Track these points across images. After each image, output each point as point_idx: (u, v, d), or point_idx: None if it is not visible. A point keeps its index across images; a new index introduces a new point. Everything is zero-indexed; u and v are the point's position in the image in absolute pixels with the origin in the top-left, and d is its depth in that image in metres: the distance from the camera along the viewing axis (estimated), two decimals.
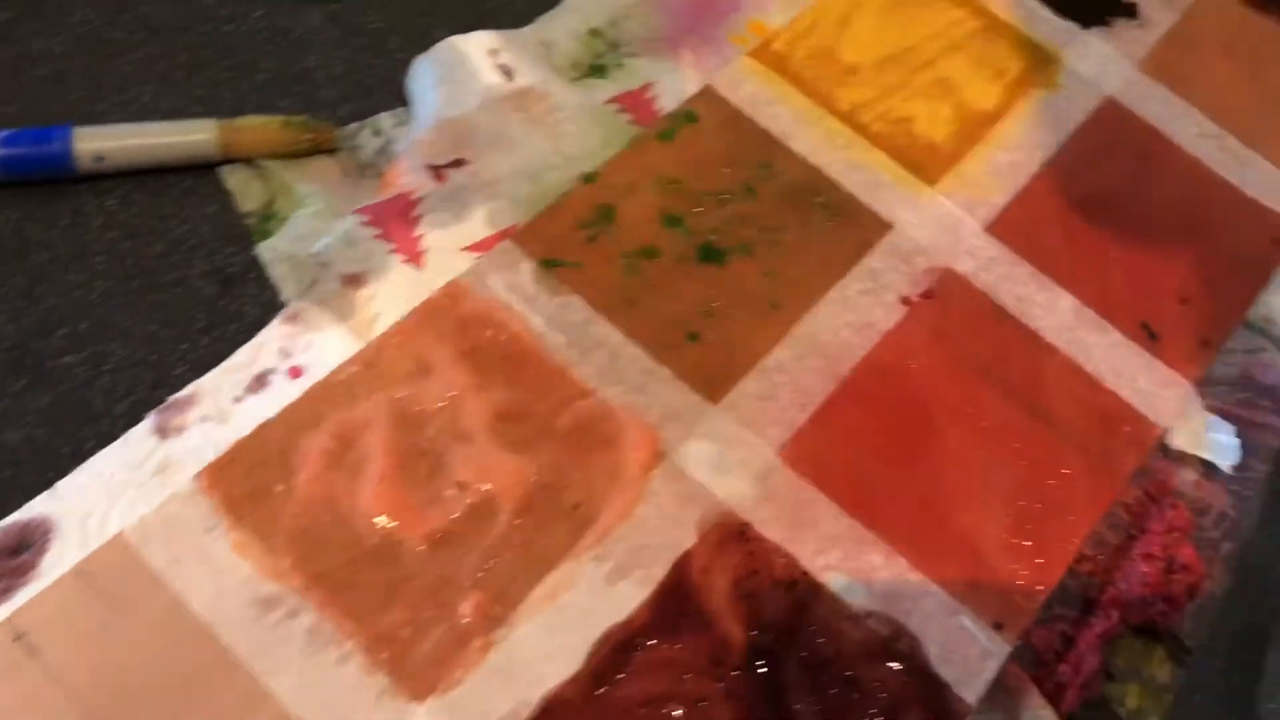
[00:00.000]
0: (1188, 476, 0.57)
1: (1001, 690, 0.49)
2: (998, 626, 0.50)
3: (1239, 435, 0.58)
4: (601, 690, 0.46)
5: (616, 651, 0.47)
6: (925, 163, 0.63)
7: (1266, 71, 0.72)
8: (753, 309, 0.56)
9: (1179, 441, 0.57)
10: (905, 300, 0.58)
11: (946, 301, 0.59)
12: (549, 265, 0.55)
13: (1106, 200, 0.64)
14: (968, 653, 0.49)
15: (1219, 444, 0.58)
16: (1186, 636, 0.53)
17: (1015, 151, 0.65)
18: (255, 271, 0.54)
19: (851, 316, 0.57)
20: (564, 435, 0.51)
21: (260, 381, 0.51)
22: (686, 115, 0.62)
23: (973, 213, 0.62)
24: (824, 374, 0.55)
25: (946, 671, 0.49)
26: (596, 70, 0.63)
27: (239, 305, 0.53)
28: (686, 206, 0.59)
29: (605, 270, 0.56)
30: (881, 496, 0.52)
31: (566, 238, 0.56)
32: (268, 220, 0.55)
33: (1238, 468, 0.58)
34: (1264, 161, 0.68)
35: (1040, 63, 0.69)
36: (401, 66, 0.61)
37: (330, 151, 0.58)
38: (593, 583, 0.48)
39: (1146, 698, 0.51)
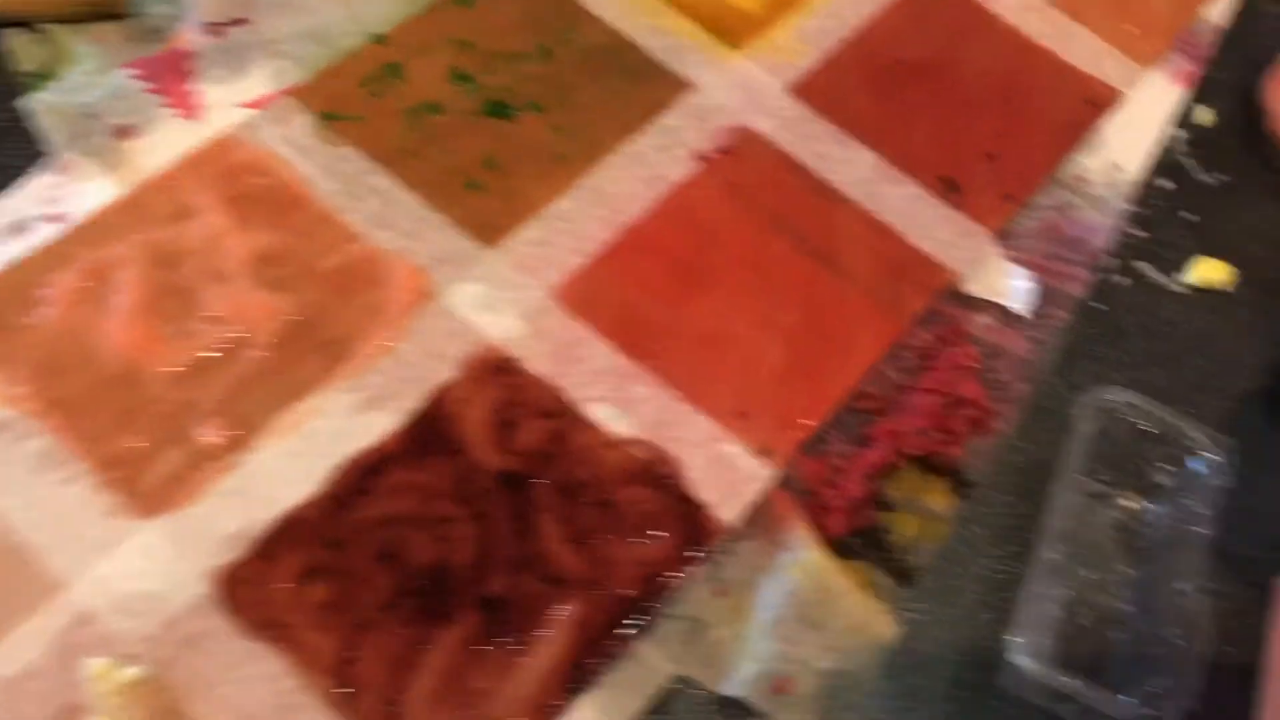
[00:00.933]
0: (983, 321, 0.57)
1: (766, 515, 0.49)
2: (765, 453, 0.49)
3: (1040, 284, 0.58)
4: (341, 511, 0.45)
5: (362, 475, 0.46)
6: (734, 28, 0.63)
7: None
8: (538, 161, 0.56)
9: (975, 288, 0.57)
10: (700, 156, 0.58)
11: (742, 157, 0.58)
12: (328, 118, 0.55)
13: (918, 65, 0.64)
14: (730, 476, 0.49)
15: (1015, 290, 0.57)
16: (970, 471, 0.52)
17: (826, 19, 0.65)
18: (27, 125, 0.53)
19: (642, 170, 0.57)
20: (326, 275, 0.51)
21: (18, 228, 0.50)
22: None
23: (777, 75, 0.62)
24: (607, 222, 0.55)
25: (706, 494, 0.48)
26: None
27: (5, 158, 0.52)
28: (478, 66, 0.58)
29: (386, 124, 0.55)
30: (656, 334, 0.52)
31: (349, 93, 0.56)
32: (44, 79, 0.55)
33: (1038, 314, 0.57)
34: (1084, 30, 0.68)
35: None
36: None
37: (118, 18, 0.57)
38: (343, 411, 0.48)
39: (922, 527, 0.50)
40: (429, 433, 0.47)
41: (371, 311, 0.49)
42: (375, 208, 0.52)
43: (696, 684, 0.45)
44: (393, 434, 0.47)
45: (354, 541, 0.45)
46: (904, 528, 0.50)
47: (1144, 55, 0.68)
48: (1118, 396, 0.49)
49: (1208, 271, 0.60)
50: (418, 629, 0.43)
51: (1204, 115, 0.66)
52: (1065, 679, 0.42)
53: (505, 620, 0.44)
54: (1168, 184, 0.63)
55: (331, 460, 0.46)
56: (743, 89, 0.60)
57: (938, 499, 0.51)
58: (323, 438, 0.46)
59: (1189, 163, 0.65)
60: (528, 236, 0.53)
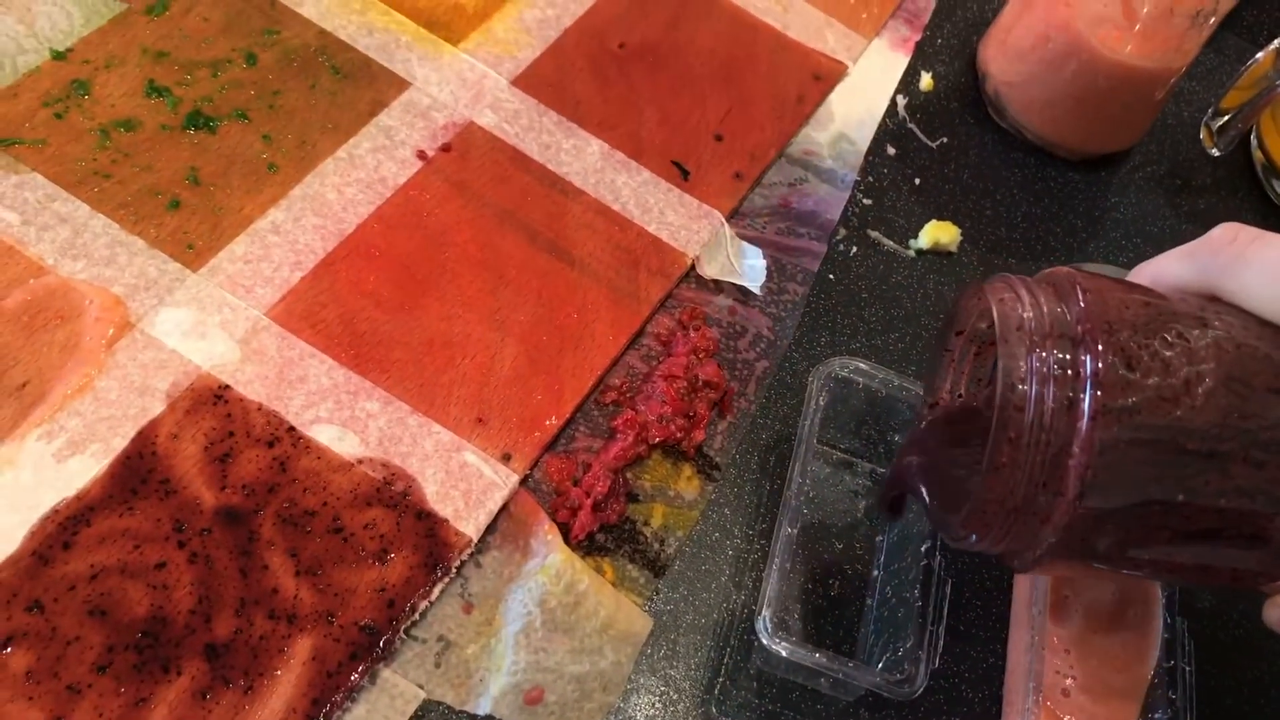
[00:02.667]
0: (722, 303, 0.56)
1: (511, 522, 0.47)
2: (506, 458, 0.48)
3: (777, 261, 0.58)
4: (43, 569, 0.41)
5: (63, 528, 0.42)
6: (449, 23, 0.61)
7: None
8: (246, 173, 0.53)
9: (711, 270, 0.57)
10: (421, 154, 0.56)
11: (466, 153, 0.57)
12: (5, 144, 0.51)
13: (642, 50, 0.63)
14: (470, 487, 0.47)
15: (749, 269, 0.57)
16: (717, 453, 0.52)
17: (547, 8, 0.64)
18: None
19: (361, 174, 0.54)
20: (11, 315, 0.46)
21: None
22: None
23: (499, 68, 0.60)
24: (325, 232, 0.52)
25: (444, 508, 0.46)
26: None
27: None
28: (176, 76, 0.55)
29: (73, 145, 0.51)
30: (383, 346, 0.49)
31: (28, 116, 0.52)
32: None
33: (775, 291, 0.57)
34: (805, 5, 0.69)
35: None
36: None
37: None
38: (39, 461, 0.44)
39: (671, 516, 0.50)
40: (137, 474, 0.44)
41: (65, 349, 0.46)
42: (65, 236, 0.48)
43: (447, 707, 0.43)
44: (96, 480, 0.43)
45: (59, 600, 0.41)
46: (653, 518, 0.49)
47: (865, 25, 0.69)
48: (847, 364, 0.50)
49: (938, 233, 0.61)
50: (137, 686, 0.40)
51: (924, 81, 0.68)
52: (809, 653, 0.42)
53: (234, 665, 0.41)
54: (893, 151, 0.65)
55: (30, 515, 0.42)
56: (464, 84, 0.58)
57: (686, 485, 0.50)
58: (18, 491, 0.43)
59: (913, 128, 0.66)
60: (238, 254, 0.50)
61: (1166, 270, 0.37)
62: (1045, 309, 0.35)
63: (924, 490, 0.41)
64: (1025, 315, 0.35)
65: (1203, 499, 0.33)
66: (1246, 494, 0.33)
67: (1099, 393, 0.32)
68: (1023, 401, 0.33)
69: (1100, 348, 0.33)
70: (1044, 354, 0.33)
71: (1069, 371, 0.33)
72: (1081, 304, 0.34)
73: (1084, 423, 0.32)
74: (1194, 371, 0.32)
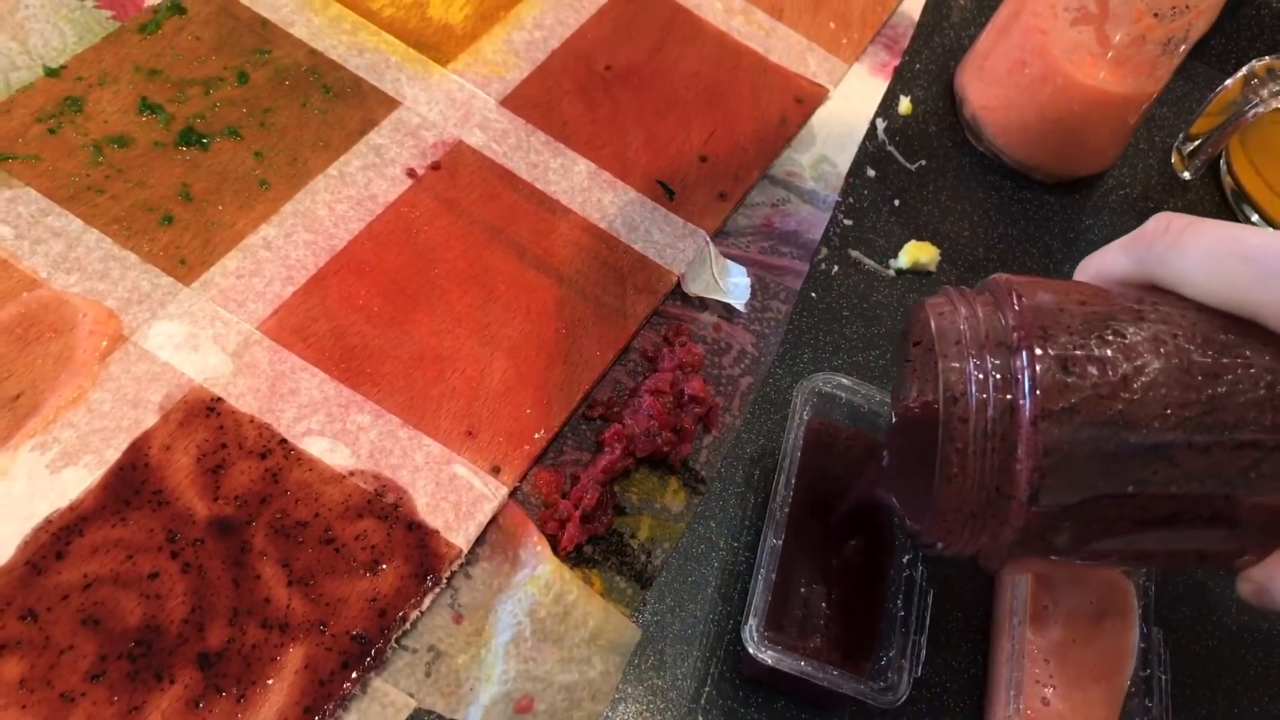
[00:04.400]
0: (707, 320, 0.57)
1: (500, 533, 0.48)
2: (495, 471, 0.49)
3: (760, 279, 0.59)
4: (37, 578, 0.42)
5: (56, 538, 0.43)
6: (439, 44, 0.62)
7: None
8: (238, 189, 0.53)
9: (696, 288, 0.57)
10: (411, 172, 0.57)
11: (455, 171, 0.57)
12: None
13: (628, 73, 0.64)
14: (460, 499, 0.47)
15: (735, 287, 0.58)
16: (702, 467, 0.52)
17: (534, 30, 0.65)
18: None
19: (351, 191, 0.55)
20: (5, 327, 0.47)
21: None
22: (173, 7, 0.59)
23: (487, 89, 0.61)
24: (316, 247, 0.53)
25: (435, 519, 0.47)
26: None
27: None
28: (168, 94, 0.55)
29: (66, 161, 0.52)
30: (373, 360, 0.50)
31: (22, 131, 0.52)
32: None
33: (759, 309, 0.58)
34: (788, 30, 0.70)
35: None
36: None
37: None
38: (32, 472, 0.44)
39: (658, 528, 0.50)
40: (130, 485, 0.44)
41: (59, 361, 0.46)
42: (59, 250, 0.49)
43: (438, 715, 0.43)
44: (89, 490, 0.44)
45: (53, 609, 0.41)
46: (640, 531, 0.50)
47: (845, 51, 0.70)
48: (829, 380, 0.51)
49: (917, 253, 0.62)
50: (131, 695, 0.41)
51: (903, 105, 0.69)
52: (795, 661, 0.43)
53: (226, 673, 0.42)
54: (873, 173, 0.66)
55: (24, 525, 0.43)
56: (453, 103, 0.59)
57: (671, 498, 0.51)
58: (11, 501, 0.43)
59: (892, 151, 0.67)
60: (230, 268, 0.51)
61: (1106, 264, 0.38)
62: (982, 318, 0.36)
63: (895, 501, 0.42)
64: (962, 327, 0.36)
65: (1153, 489, 0.33)
66: (1195, 479, 0.33)
67: (1038, 395, 0.33)
68: (965, 412, 0.34)
69: (1037, 352, 0.34)
70: (981, 363, 0.34)
71: (1007, 378, 0.34)
72: (1016, 309, 0.35)
73: (1026, 427, 0.33)
74: (1131, 367, 0.33)
